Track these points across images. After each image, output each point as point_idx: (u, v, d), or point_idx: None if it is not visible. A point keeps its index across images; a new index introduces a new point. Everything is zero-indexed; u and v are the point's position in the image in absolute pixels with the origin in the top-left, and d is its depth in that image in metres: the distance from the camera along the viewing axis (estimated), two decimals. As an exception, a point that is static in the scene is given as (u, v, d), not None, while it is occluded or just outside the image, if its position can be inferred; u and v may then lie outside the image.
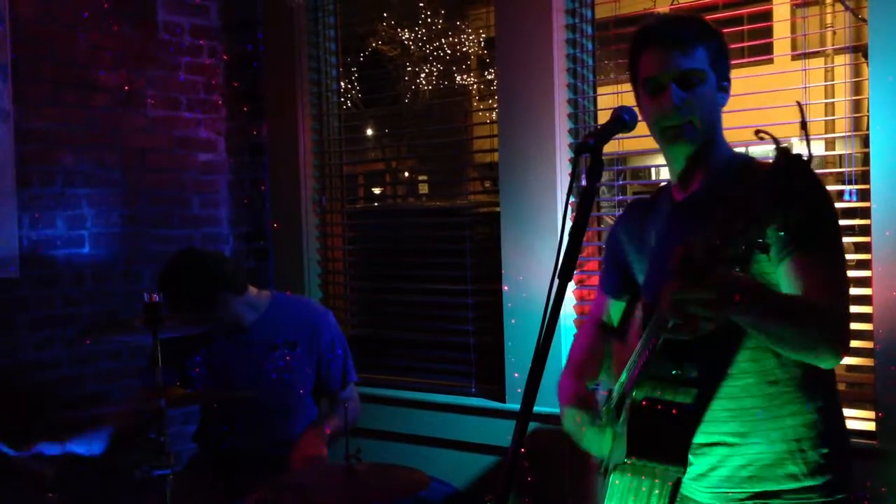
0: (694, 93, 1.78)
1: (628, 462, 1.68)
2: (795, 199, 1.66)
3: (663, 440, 1.68)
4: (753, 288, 1.54)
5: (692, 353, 1.67)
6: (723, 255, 1.34)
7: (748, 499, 1.77)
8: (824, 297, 1.63)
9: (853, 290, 2.73)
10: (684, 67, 1.77)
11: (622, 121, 1.72)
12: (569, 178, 3.12)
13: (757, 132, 1.58)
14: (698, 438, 1.77)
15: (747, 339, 1.73)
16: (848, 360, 2.80)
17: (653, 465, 1.69)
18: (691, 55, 1.77)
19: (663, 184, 2.02)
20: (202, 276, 2.84)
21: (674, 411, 1.68)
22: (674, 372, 1.67)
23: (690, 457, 1.77)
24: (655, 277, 1.86)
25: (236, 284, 2.90)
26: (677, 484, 1.71)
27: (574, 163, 1.83)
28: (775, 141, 1.41)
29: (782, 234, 1.66)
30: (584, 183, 1.65)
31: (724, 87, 1.84)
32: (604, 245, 2.14)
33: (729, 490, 1.79)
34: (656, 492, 1.70)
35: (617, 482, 1.73)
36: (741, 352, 1.74)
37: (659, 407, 1.68)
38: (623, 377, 1.80)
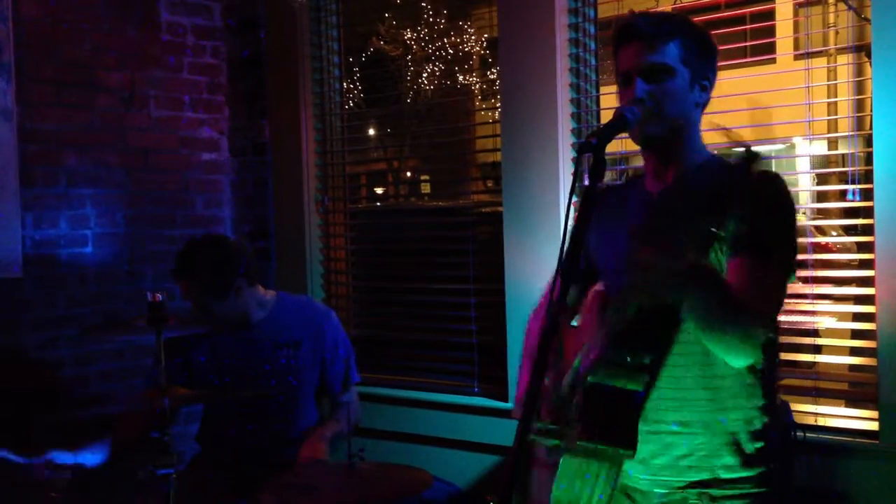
0: (660, 87, 1.80)
1: (580, 445, 1.71)
2: (751, 202, 1.71)
3: (614, 424, 1.72)
4: (709, 270, 1.63)
5: (645, 341, 1.72)
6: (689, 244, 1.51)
7: (687, 487, 1.82)
8: (747, 296, 1.67)
9: (856, 290, 2.74)
10: (650, 62, 1.80)
11: (624, 120, 1.74)
12: (571, 178, 3.13)
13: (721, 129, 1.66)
14: (643, 426, 1.79)
15: (690, 323, 1.76)
16: (850, 360, 2.80)
17: (603, 449, 1.72)
18: (659, 50, 1.80)
19: (634, 173, 2.06)
20: (222, 257, 2.85)
21: (626, 394, 1.72)
22: (628, 359, 1.70)
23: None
24: (622, 268, 1.88)
25: (252, 274, 2.92)
26: (620, 467, 1.75)
27: (576, 162, 1.84)
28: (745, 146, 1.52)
29: (733, 233, 1.72)
30: (586, 182, 1.66)
31: (702, 86, 1.85)
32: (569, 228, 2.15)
33: (669, 478, 1.84)
34: (603, 475, 1.73)
35: (566, 465, 1.75)
36: (693, 345, 1.77)
37: (612, 390, 1.71)
38: (576, 363, 1.82)
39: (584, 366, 1.76)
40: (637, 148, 1.98)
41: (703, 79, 1.85)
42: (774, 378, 1.88)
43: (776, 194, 1.77)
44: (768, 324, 1.73)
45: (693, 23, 1.89)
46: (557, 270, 1.55)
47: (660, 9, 3.46)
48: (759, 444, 1.81)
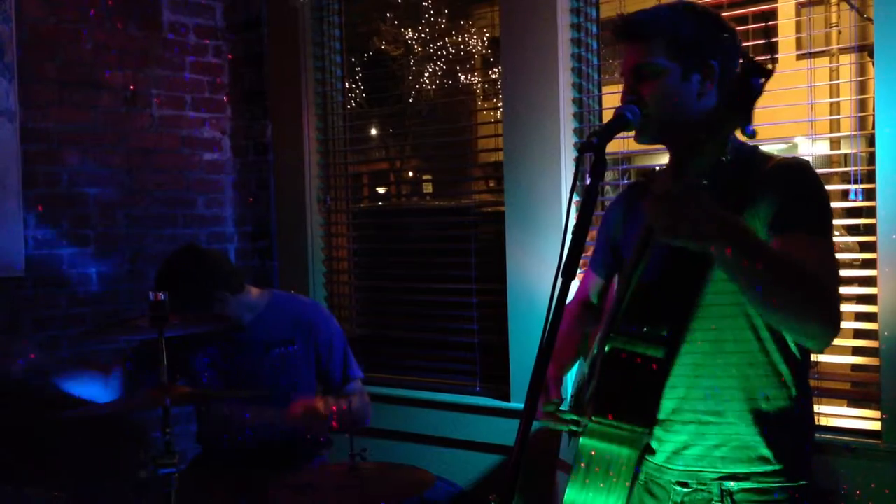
0: (650, 86, 1.77)
1: (597, 423, 1.68)
2: (789, 182, 1.69)
3: (633, 395, 1.71)
4: (735, 220, 1.55)
5: (661, 313, 1.70)
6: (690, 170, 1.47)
7: (720, 479, 1.79)
8: (814, 269, 1.61)
9: (859, 290, 2.73)
10: (638, 61, 1.79)
11: (625, 119, 1.73)
12: (572, 178, 3.12)
13: None
14: (674, 415, 1.78)
15: (724, 308, 1.74)
16: (853, 360, 2.80)
17: (620, 427, 1.70)
18: (646, 48, 1.78)
19: (660, 168, 2.03)
20: (200, 273, 2.83)
21: (644, 363, 1.70)
22: (644, 329, 1.68)
23: (663, 433, 1.81)
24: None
25: (233, 284, 2.90)
26: (644, 450, 1.75)
27: (577, 162, 1.82)
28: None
29: (774, 214, 1.69)
30: (587, 182, 1.65)
31: (705, 74, 1.78)
32: (599, 224, 2.14)
33: (701, 469, 1.81)
34: (624, 460, 1.72)
35: (586, 449, 1.74)
36: (726, 331, 1.76)
37: (629, 358, 1.70)
38: (595, 350, 1.81)
39: (600, 344, 1.75)
40: (640, 147, 1.97)
41: (704, 68, 1.78)
42: (807, 369, 1.84)
43: (808, 174, 1.75)
44: (839, 298, 1.64)
45: (688, 11, 1.82)
46: (558, 270, 1.54)
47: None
48: (793, 437, 1.77)
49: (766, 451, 1.77)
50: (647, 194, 1.92)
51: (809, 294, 1.59)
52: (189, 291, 2.80)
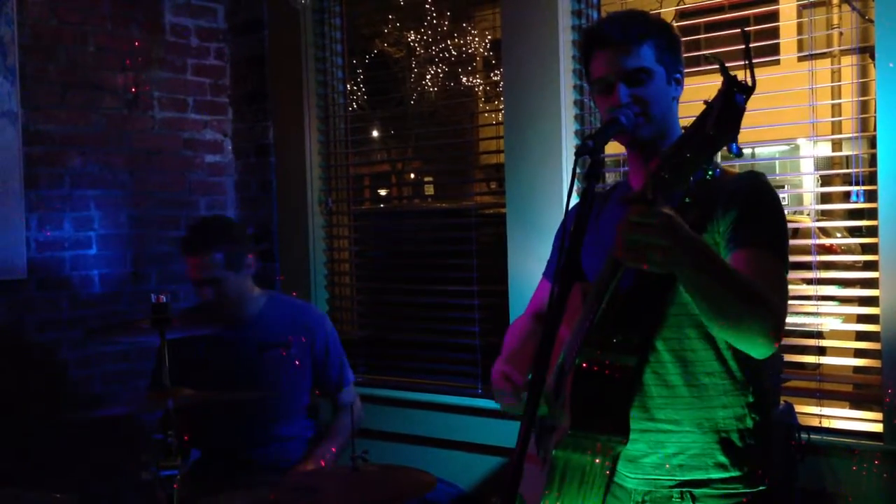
0: (642, 90, 1.81)
1: (571, 435, 1.69)
2: (749, 197, 1.70)
3: (605, 406, 1.70)
4: (694, 236, 1.54)
5: (632, 322, 1.71)
6: (671, 187, 1.43)
7: (676, 486, 1.80)
8: (764, 286, 1.63)
9: (860, 292, 2.73)
10: (629, 67, 1.81)
11: (619, 123, 1.75)
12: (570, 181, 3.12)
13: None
14: (633, 424, 1.79)
15: (683, 318, 1.75)
16: (854, 362, 2.80)
17: (595, 437, 1.71)
18: (635, 54, 1.81)
19: (621, 178, 2.05)
20: (241, 231, 3.05)
21: (616, 373, 1.71)
22: (615, 339, 1.69)
23: None
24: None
25: (256, 260, 3.03)
26: (616, 458, 1.75)
27: (574, 165, 1.84)
28: (720, 65, 1.46)
29: (732, 229, 1.71)
30: (584, 185, 1.67)
31: (676, 80, 1.87)
32: (556, 233, 2.15)
33: (659, 477, 1.82)
34: (597, 467, 1.73)
35: (560, 460, 1.74)
36: (685, 340, 1.77)
37: (601, 370, 1.70)
38: (561, 358, 1.81)
39: (570, 354, 1.75)
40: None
41: (676, 73, 1.86)
42: (766, 376, 1.85)
43: (767, 191, 1.79)
44: (785, 314, 1.68)
45: (658, 18, 1.91)
46: (556, 273, 1.54)
47: (662, 10, 3.46)
48: (750, 443, 1.79)
49: (723, 458, 1.78)
50: (609, 206, 1.94)
51: (756, 313, 1.60)
52: (228, 246, 2.88)
